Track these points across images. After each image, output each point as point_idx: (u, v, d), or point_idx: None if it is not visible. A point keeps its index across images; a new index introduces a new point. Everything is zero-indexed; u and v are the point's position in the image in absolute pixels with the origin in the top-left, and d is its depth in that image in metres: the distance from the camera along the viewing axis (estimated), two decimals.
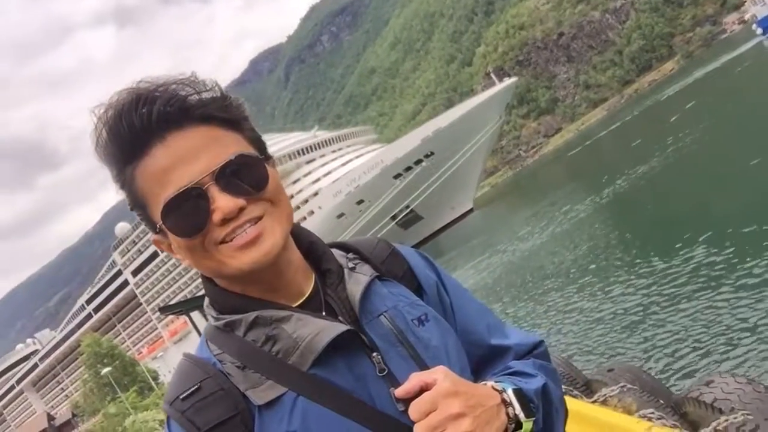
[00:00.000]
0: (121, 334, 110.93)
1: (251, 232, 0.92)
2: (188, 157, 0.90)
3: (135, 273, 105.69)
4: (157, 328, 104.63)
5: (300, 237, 1.06)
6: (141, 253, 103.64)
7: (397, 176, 71.71)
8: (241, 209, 0.91)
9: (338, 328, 0.95)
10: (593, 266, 16.16)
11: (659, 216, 18.41)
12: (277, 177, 0.98)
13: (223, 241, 0.92)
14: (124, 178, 0.94)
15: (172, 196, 0.90)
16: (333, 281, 1.04)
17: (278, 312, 0.97)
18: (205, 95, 0.94)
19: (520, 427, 0.95)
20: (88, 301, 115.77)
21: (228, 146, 0.93)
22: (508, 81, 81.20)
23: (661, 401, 4.29)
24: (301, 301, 1.01)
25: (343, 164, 79.40)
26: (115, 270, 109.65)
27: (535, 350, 1.16)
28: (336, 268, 1.05)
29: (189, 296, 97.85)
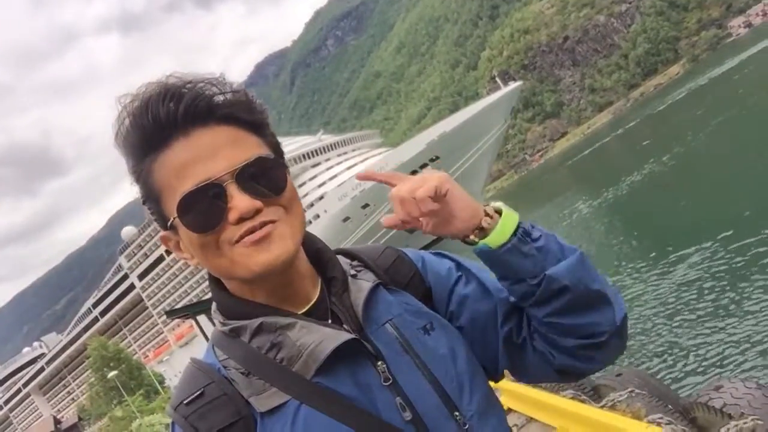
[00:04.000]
0: (127, 337, 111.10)
1: (264, 230, 0.92)
2: (210, 154, 0.91)
3: (141, 277, 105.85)
4: (163, 332, 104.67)
5: (307, 243, 1.05)
6: (147, 256, 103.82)
7: None
8: (258, 211, 0.91)
9: (342, 336, 0.95)
10: (598, 268, 16.14)
11: (665, 220, 18.40)
12: (292, 183, 0.99)
13: (237, 241, 0.92)
14: (141, 170, 0.94)
15: (190, 190, 0.90)
16: (338, 289, 1.03)
17: (283, 319, 0.97)
18: (231, 96, 0.94)
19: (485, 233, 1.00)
20: (95, 305, 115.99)
21: (249, 148, 0.93)
22: (514, 85, 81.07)
23: (670, 406, 4.31)
24: (307, 307, 1.01)
25: (349, 168, 79.40)
26: (121, 274, 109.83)
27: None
28: (341, 275, 1.05)
29: (195, 300, 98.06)
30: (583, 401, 4.67)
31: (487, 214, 1.00)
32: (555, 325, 1.02)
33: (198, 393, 0.93)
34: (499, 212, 1.01)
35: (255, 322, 0.97)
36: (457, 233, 1.00)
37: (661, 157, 29.78)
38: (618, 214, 24.42)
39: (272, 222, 0.93)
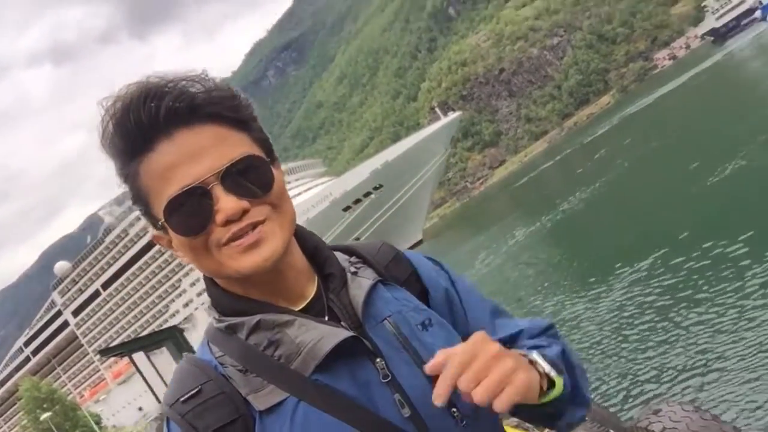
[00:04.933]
0: (61, 377, 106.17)
1: (252, 236, 0.91)
2: (194, 155, 0.90)
3: (76, 313, 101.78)
4: (99, 370, 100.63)
5: (304, 240, 1.06)
6: (82, 292, 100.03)
7: (346, 209, 71.86)
8: (245, 211, 0.90)
9: (341, 334, 0.94)
10: (539, 293, 16.54)
11: (600, 245, 19.05)
12: (281, 180, 0.97)
13: (225, 243, 0.91)
14: (128, 173, 0.93)
15: (175, 195, 0.89)
16: (336, 286, 1.02)
17: (281, 316, 0.96)
18: (215, 93, 0.93)
19: (553, 385, 0.95)
20: (26, 344, 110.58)
21: (235, 146, 0.92)
22: (453, 115, 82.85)
23: (611, 431, 4.45)
24: (303, 305, 1.00)
25: (292, 197, 78.53)
26: (54, 310, 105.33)
27: (546, 332, 1.15)
28: (339, 272, 1.04)
29: (133, 336, 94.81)
30: (516, 426, 4.75)
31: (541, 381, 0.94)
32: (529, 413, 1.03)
33: (195, 390, 0.92)
34: (540, 367, 0.95)
35: (253, 319, 0.96)
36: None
37: (593, 184, 30.90)
38: (555, 238, 25.12)
39: (260, 222, 0.92)
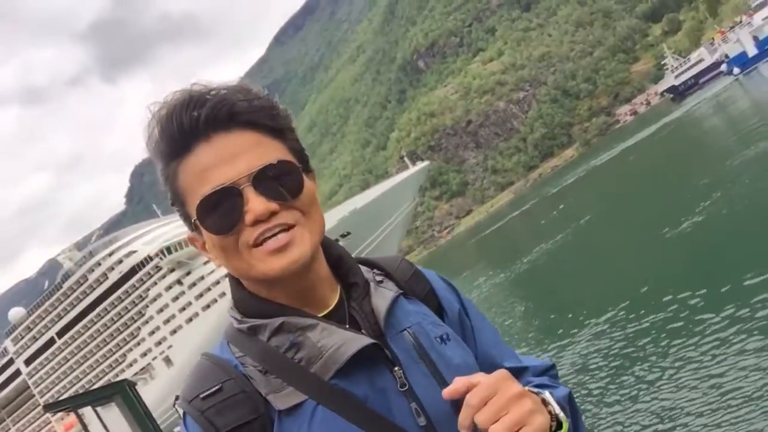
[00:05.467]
0: (10, 429, 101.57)
1: (282, 239, 0.94)
2: (230, 158, 0.94)
3: (28, 362, 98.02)
4: (50, 422, 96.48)
5: (329, 250, 1.08)
6: (36, 339, 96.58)
7: None
8: (273, 213, 0.93)
9: (363, 340, 0.96)
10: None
11: (565, 295, 19.02)
12: (313, 189, 1.01)
13: (255, 245, 0.94)
14: (168, 173, 0.98)
15: (208, 193, 0.93)
16: (358, 295, 1.05)
17: (304, 320, 0.98)
18: (254, 102, 0.97)
19: (560, 427, 0.95)
20: None
21: (269, 152, 0.96)
22: (421, 165, 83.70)
23: None
24: (325, 312, 1.02)
25: None
26: (6, 359, 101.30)
27: (548, 372, 1.17)
28: (362, 282, 1.07)
29: (87, 386, 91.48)
30: None
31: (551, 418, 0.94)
32: None
33: (216, 388, 0.94)
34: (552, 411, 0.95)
35: (276, 321, 0.98)
36: None
37: (557, 235, 31.17)
38: (519, 289, 25.08)
39: (289, 226, 0.95)
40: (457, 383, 0.89)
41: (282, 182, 0.95)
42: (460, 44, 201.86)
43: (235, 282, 1.04)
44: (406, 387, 0.98)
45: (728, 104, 47.02)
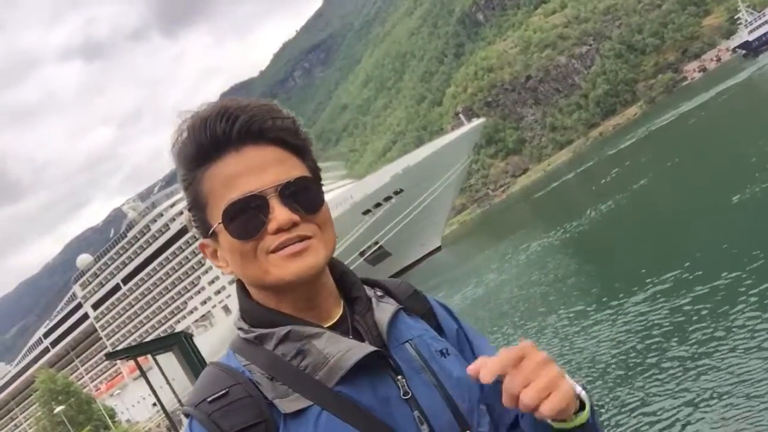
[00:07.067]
0: (79, 369, 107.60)
1: (299, 246, 0.98)
2: (258, 169, 0.99)
3: (96, 306, 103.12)
4: (116, 364, 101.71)
5: (333, 266, 1.12)
6: (102, 285, 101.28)
7: (366, 212, 71.81)
8: (295, 224, 0.98)
9: (367, 348, 1.00)
10: (546, 307, 16.22)
11: (621, 260, 18.67)
12: (328, 207, 1.07)
13: (273, 251, 0.98)
14: (193, 178, 1.02)
15: (237, 199, 0.97)
16: (361, 309, 1.09)
17: (311, 329, 1.02)
18: (285, 122, 1.03)
19: (582, 408, 0.95)
20: (46, 335, 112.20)
21: (293, 168, 1.02)
22: (477, 121, 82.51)
23: None
24: (330, 324, 1.06)
25: None
26: (75, 303, 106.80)
27: None
28: (365, 297, 1.11)
29: (150, 331, 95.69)
30: None
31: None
32: None
33: (223, 392, 0.96)
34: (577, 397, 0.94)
35: (283, 330, 1.01)
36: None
37: (614, 197, 30.43)
38: (571, 252, 24.73)
39: (307, 237, 1.00)
40: (481, 360, 0.90)
41: (304, 197, 1.01)
42: None
43: (243, 292, 1.08)
44: (409, 395, 1.00)
45: None
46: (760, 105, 37.56)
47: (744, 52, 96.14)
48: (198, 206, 1.03)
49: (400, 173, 71.37)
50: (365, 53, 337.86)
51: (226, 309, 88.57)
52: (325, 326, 1.04)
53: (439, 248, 77.51)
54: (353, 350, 0.99)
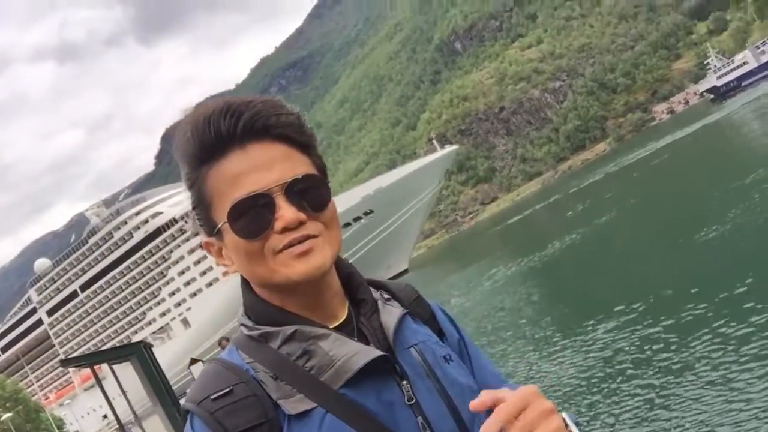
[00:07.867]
0: (29, 376, 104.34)
1: (306, 245, 0.97)
2: (263, 167, 0.97)
3: (51, 312, 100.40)
4: (68, 373, 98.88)
5: (339, 267, 1.10)
6: (59, 291, 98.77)
7: None
8: (301, 223, 0.97)
9: (374, 352, 0.99)
10: (510, 334, 16.31)
11: (580, 292, 18.88)
12: (334, 204, 1.05)
13: (280, 251, 0.97)
14: (197, 176, 1.00)
15: (242, 197, 0.96)
16: (367, 311, 1.07)
17: (317, 329, 1.00)
18: (290, 118, 1.01)
19: None
20: None
21: (299, 165, 1.00)
22: (449, 148, 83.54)
23: None
24: (335, 325, 1.04)
25: None
26: (29, 308, 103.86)
27: None
28: (371, 299, 1.10)
29: (106, 341, 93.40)
30: None
31: None
32: None
33: (227, 390, 0.95)
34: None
35: (289, 329, 1.00)
36: None
37: (581, 230, 30.87)
38: (540, 280, 24.93)
39: (314, 236, 0.98)
40: (484, 396, 0.89)
41: (310, 195, 0.99)
42: (499, 28, 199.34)
43: (248, 289, 1.06)
44: (414, 401, 0.99)
45: None
46: (725, 148, 38.63)
47: (712, 96, 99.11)
48: (202, 204, 1.02)
49: (371, 194, 71.60)
50: (343, 74, 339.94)
51: (185, 322, 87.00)
52: (331, 327, 1.03)
53: (405, 271, 77.61)
54: (360, 353, 0.98)
